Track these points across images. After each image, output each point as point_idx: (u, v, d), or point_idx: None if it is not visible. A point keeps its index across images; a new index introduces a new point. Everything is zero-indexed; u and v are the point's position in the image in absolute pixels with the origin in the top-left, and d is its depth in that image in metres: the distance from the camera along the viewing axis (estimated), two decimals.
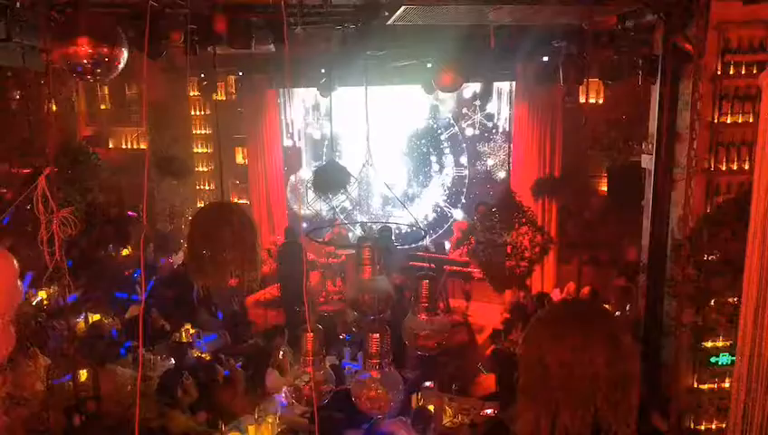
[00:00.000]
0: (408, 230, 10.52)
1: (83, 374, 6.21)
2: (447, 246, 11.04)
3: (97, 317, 7.87)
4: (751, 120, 5.29)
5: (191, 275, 4.09)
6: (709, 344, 5.54)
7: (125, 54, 3.99)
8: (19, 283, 2.19)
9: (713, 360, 5.57)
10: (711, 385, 5.64)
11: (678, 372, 5.53)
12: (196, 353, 7.26)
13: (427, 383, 6.38)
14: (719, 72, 5.29)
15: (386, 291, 3.41)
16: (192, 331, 7.73)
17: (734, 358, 5.25)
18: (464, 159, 11.59)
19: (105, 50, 3.86)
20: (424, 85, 8.96)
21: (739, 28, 5.23)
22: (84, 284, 7.94)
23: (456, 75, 6.99)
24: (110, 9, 5.00)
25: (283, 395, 6.18)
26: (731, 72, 5.31)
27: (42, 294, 7.64)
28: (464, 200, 11.60)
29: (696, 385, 5.65)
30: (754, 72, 5.24)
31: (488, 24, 6.16)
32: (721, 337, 5.51)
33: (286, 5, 5.15)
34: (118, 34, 3.97)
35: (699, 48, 4.99)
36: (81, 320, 7.57)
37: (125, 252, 9.70)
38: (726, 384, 5.59)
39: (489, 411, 5.93)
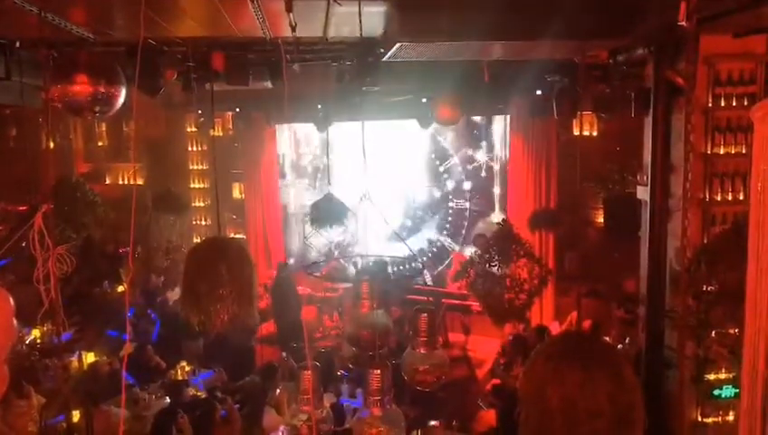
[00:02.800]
0: (407, 265, 10.48)
1: (76, 415, 6.08)
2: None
3: (91, 356, 7.75)
4: (744, 151, 5.34)
5: (186, 310, 4.04)
6: (712, 377, 5.48)
7: (123, 92, 4.03)
8: (14, 321, 2.15)
9: (716, 393, 5.50)
10: (715, 419, 5.55)
11: (682, 405, 5.45)
12: (191, 391, 7.14)
13: (433, 422, 6.26)
14: (710, 105, 5.37)
15: (384, 326, 3.38)
16: (188, 368, 7.61)
17: (737, 391, 5.19)
18: (464, 191, 11.63)
19: (104, 88, 3.90)
20: (419, 120, 9.05)
21: (729, 61, 5.33)
22: (78, 321, 7.84)
23: (455, 109, 7.09)
24: (109, 48, 5.07)
25: (281, 433, 6.06)
26: (722, 105, 5.38)
27: (35, 333, 7.53)
28: (464, 233, 11.60)
29: (699, 419, 5.56)
30: (745, 103, 5.31)
31: (482, 59, 6.26)
32: (723, 369, 5.45)
33: (283, 43, 5.23)
34: (116, 72, 4.01)
35: (690, 81, 5.07)
36: (74, 358, 7.45)
37: (120, 288, 9.62)
38: (730, 417, 5.50)
39: None
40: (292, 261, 11.57)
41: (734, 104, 5.36)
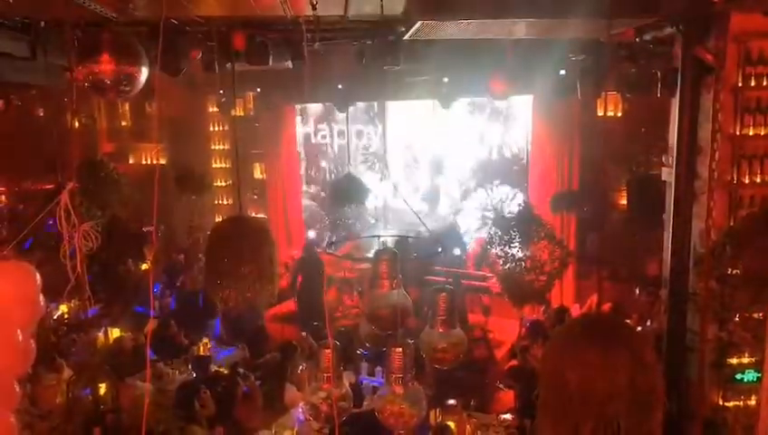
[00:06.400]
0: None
1: (103, 388, 6.24)
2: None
3: (116, 331, 7.93)
4: None
5: (208, 289, 4.10)
6: (734, 361, 5.42)
7: (146, 72, 4.06)
8: (41, 297, 2.21)
9: (738, 377, 5.45)
10: (737, 402, 5.51)
11: (703, 388, 5.41)
12: (214, 367, 7.27)
13: (451, 401, 6.32)
14: (740, 84, 5.23)
15: (404, 305, 3.39)
16: (209, 344, 7.74)
17: (759, 375, 5.14)
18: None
19: (127, 67, 3.92)
20: (440, 100, 8.97)
21: (759, 39, 5.18)
22: (104, 298, 8.01)
23: (508, 83, 7.12)
24: (132, 27, 5.09)
25: (301, 410, 6.15)
26: (752, 84, 5.24)
27: (63, 308, 7.72)
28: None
29: (721, 403, 5.52)
30: None
31: (506, 38, 6.17)
32: (746, 353, 5.38)
33: (304, 22, 5.20)
34: (139, 52, 4.04)
35: (720, 60, 4.94)
36: (101, 334, 7.63)
37: (144, 266, 9.78)
38: (752, 402, 5.45)
39: (507, 416, 5.95)
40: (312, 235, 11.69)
41: (764, 84, 5.22)
